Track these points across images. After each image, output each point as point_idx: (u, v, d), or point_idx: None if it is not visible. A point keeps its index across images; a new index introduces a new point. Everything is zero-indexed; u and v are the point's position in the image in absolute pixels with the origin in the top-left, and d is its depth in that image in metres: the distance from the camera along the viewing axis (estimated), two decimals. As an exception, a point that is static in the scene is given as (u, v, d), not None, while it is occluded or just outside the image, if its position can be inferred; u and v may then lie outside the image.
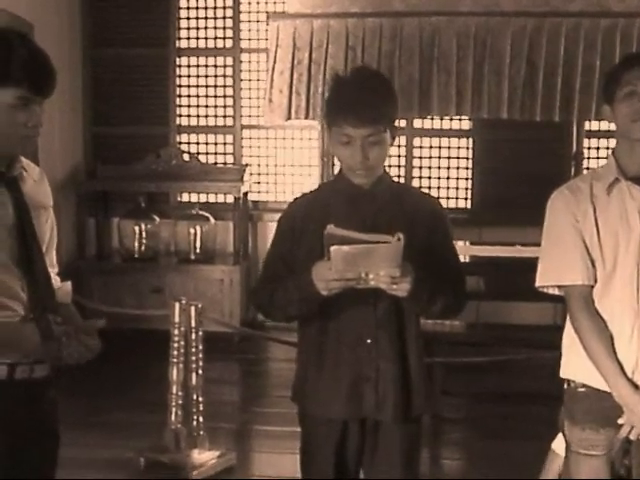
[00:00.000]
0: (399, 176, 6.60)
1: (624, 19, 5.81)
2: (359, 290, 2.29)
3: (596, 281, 2.38)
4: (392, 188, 2.53)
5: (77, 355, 2.21)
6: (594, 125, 6.36)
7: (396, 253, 2.20)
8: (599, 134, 6.40)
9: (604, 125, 6.30)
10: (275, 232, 2.56)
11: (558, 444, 2.79)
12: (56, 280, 2.38)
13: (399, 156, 6.63)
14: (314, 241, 2.34)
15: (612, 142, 2.43)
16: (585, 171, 6.38)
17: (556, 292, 2.49)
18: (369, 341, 2.44)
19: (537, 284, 2.49)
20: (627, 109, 2.35)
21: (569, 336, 2.46)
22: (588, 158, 6.50)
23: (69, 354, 2.19)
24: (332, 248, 2.19)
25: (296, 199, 2.63)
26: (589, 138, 6.48)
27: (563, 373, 2.50)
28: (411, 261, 2.25)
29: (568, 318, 2.46)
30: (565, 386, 2.50)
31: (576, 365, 2.44)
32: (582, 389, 2.43)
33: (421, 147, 6.65)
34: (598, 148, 6.49)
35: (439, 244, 2.48)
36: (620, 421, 2.35)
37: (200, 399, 4.10)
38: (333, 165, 6.57)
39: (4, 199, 2.17)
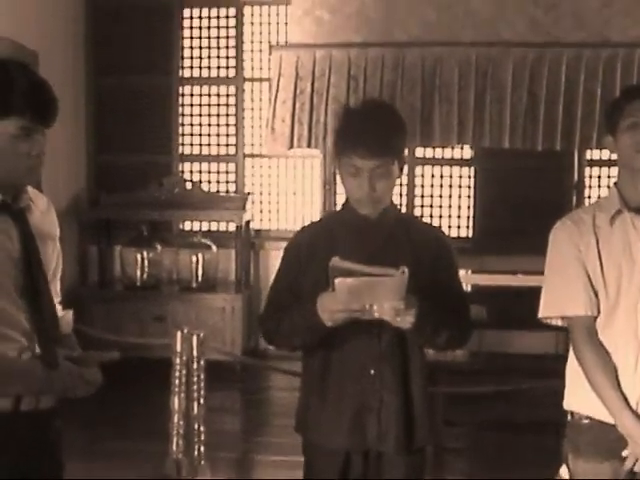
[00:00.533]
0: (401, 205, 6.62)
1: (624, 49, 5.86)
2: (363, 321, 2.30)
3: (599, 312, 2.38)
4: (398, 219, 2.54)
5: (79, 389, 2.20)
6: (595, 154, 6.37)
7: (400, 286, 2.21)
8: (600, 163, 6.42)
9: (605, 154, 6.33)
10: (281, 261, 2.58)
11: (562, 475, 2.77)
12: (58, 309, 2.38)
13: (401, 185, 6.65)
14: (320, 271, 2.35)
15: (613, 171, 2.44)
16: (587, 199, 6.40)
17: (559, 323, 2.49)
18: (373, 372, 2.44)
19: (540, 315, 2.49)
20: (630, 140, 2.36)
21: (572, 367, 2.46)
22: (590, 187, 6.51)
23: (71, 388, 2.19)
24: (337, 280, 2.20)
25: (303, 228, 2.65)
26: (591, 167, 6.50)
27: (567, 404, 2.50)
28: (416, 293, 2.26)
29: (571, 349, 2.46)
30: (569, 418, 2.49)
31: (580, 397, 2.43)
32: (586, 421, 2.42)
33: (423, 176, 6.68)
34: (600, 177, 6.50)
35: (444, 276, 2.49)
36: (624, 453, 2.33)
37: (202, 429, 4.07)
38: (335, 194, 6.60)
39: (10, 231, 2.17)
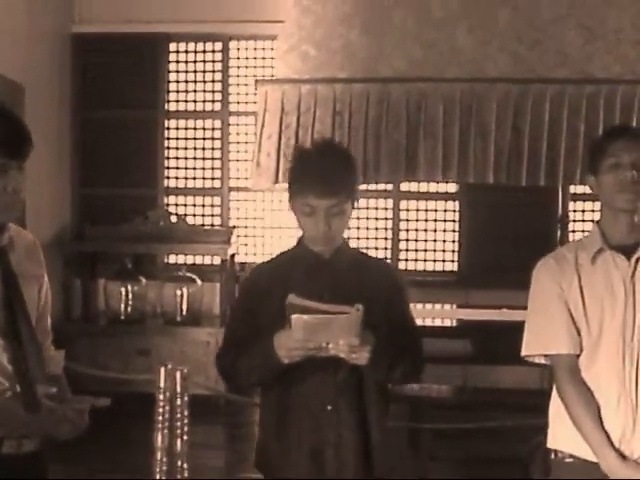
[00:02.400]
0: (386, 238, 6.63)
1: (607, 86, 5.92)
2: (319, 358, 2.33)
3: (582, 350, 2.39)
4: (350, 257, 2.57)
5: (62, 430, 2.17)
6: (579, 188, 6.41)
7: (355, 323, 2.24)
8: (584, 197, 6.45)
9: (589, 188, 6.36)
10: (237, 298, 2.63)
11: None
12: (50, 349, 2.36)
13: (386, 219, 6.67)
14: (275, 309, 2.37)
15: (597, 205, 2.46)
16: (571, 233, 6.43)
17: (542, 361, 2.50)
18: (329, 408, 2.46)
19: (523, 354, 2.50)
20: (612, 180, 2.38)
21: (555, 405, 2.46)
22: (574, 221, 6.54)
23: (54, 429, 2.16)
24: (293, 317, 2.23)
25: (258, 266, 2.68)
26: (575, 201, 6.54)
27: (550, 443, 2.49)
28: (369, 329, 2.29)
29: (554, 388, 2.46)
30: (552, 456, 2.48)
31: (563, 435, 2.43)
32: (570, 459, 2.42)
33: (407, 210, 6.70)
34: (584, 211, 6.54)
35: (397, 312, 2.52)
36: (607, 491, 2.33)
37: (185, 465, 4.04)
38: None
39: None
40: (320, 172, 2.40)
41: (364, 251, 2.83)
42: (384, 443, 2.53)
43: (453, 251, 6.69)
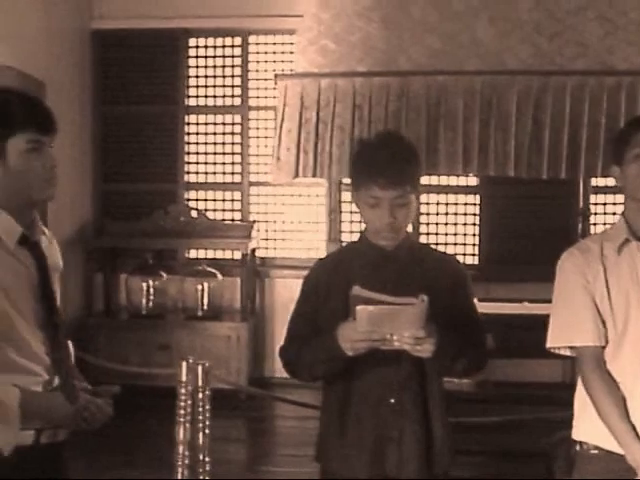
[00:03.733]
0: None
1: (629, 77, 5.87)
2: (382, 351, 2.31)
3: (607, 342, 2.37)
4: (414, 249, 2.57)
5: (94, 420, 2.23)
6: (601, 181, 6.37)
7: (420, 314, 2.23)
8: (606, 190, 6.40)
9: (610, 181, 6.30)
10: (300, 292, 2.60)
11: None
12: None
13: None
14: (338, 302, 2.38)
15: (619, 198, 2.44)
16: (593, 227, 6.39)
17: (567, 353, 2.48)
18: (392, 401, 2.45)
19: (548, 345, 2.48)
20: (636, 170, 2.36)
21: (581, 397, 2.45)
22: (595, 214, 6.49)
23: (88, 419, 2.21)
24: (358, 308, 2.22)
25: (321, 259, 2.69)
26: (596, 194, 6.49)
27: (575, 435, 2.48)
28: (434, 321, 2.28)
29: (579, 379, 2.45)
30: (577, 448, 2.47)
31: (588, 427, 2.42)
32: (595, 451, 2.41)
33: (428, 203, 6.67)
34: (605, 204, 6.49)
35: (461, 304, 2.52)
36: (633, 483, 2.32)
37: (207, 459, 4.05)
38: (340, 222, 6.60)
39: (29, 263, 2.18)
40: (384, 163, 2.39)
41: (427, 244, 2.82)
42: (445, 439, 2.53)
43: (474, 245, 6.66)
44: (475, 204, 6.64)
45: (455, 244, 6.69)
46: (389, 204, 2.39)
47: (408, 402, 2.46)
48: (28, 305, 2.15)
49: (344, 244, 2.66)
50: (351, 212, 6.63)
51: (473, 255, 6.67)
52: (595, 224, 6.43)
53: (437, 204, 6.68)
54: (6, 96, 2.19)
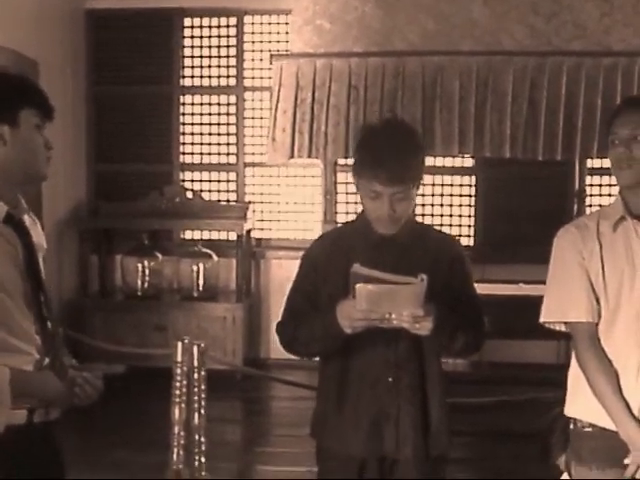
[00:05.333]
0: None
1: (625, 58, 5.86)
2: (381, 329, 2.32)
3: (600, 319, 2.38)
4: (414, 230, 2.56)
5: (86, 395, 2.23)
6: (596, 162, 6.37)
7: (419, 293, 2.23)
8: (601, 171, 6.40)
9: (606, 162, 6.31)
10: (299, 268, 2.60)
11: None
12: None
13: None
14: (337, 281, 2.39)
15: (614, 179, 2.44)
16: (588, 208, 6.39)
17: (562, 329, 2.49)
18: (390, 379, 2.47)
19: (542, 319, 2.49)
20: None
21: (574, 374, 2.46)
22: (591, 195, 6.50)
23: (78, 396, 2.22)
24: (357, 286, 2.23)
25: (320, 237, 2.70)
26: (591, 175, 6.49)
27: (568, 412, 2.49)
28: (433, 300, 2.28)
29: (573, 356, 2.46)
30: (571, 425, 2.48)
31: (582, 404, 2.43)
32: (588, 428, 2.42)
33: (424, 184, 6.64)
34: (600, 185, 6.49)
35: (460, 284, 2.52)
36: (626, 461, 2.32)
37: (202, 439, 4.05)
38: (336, 203, 6.60)
39: (15, 242, 2.18)
40: (387, 158, 2.35)
41: (428, 224, 2.81)
42: (442, 420, 2.53)
43: (469, 226, 6.66)
44: (470, 185, 6.63)
45: (450, 225, 6.69)
46: (389, 198, 2.38)
47: (406, 381, 2.47)
48: (17, 284, 2.15)
49: (342, 224, 2.65)
50: (346, 193, 6.62)
51: (468, 236, 6.67)
52: (591, 205, 6.43)
53: (432, 185, 6.67)
54: (16, 74, 2.27)
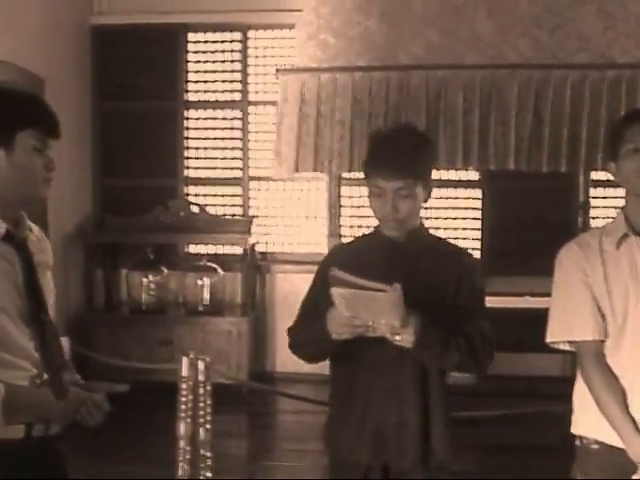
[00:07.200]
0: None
1: (629, 70, 5.87)
2: (386, 338, 2.32)
3: (607, 336, 2.37)
4: (426, 242, 2.57)
5: (90, 417, 2.23)
6: (601, 174, 6.36)
7: (394, 303, 2.22)
8: (606, 183, 6.39)
9: (611, 175, 6.31)
10: (313, 277, 2.65)
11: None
12: None
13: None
14: None
15: (619, 191, 2.43)
16: (593, 220, 6.39)
17: (567, 348, 2.48)
18: (393, 388, 2.48)
19: (548, 340, 2.48)
20: (630, 166, 2.36)
21: (580, 392, 2.45)
22: (595, 207, 6.50)
23: (81, 414, 2.22)
24: (332, 289, 2.25)
25: (335, 246, 2.81)
26: (596, 187, 6.48)
27: (575, 429, 2.48)
28: (418, 314, 2.28)
29: (579, 374, 2.45)
30: (577, 442, 2.47)
31: (588, 421, 2.42)
32: (595, 446, 2.41)
33: (430, 197, 6.64)
34: (605, 197, 6.48)
35: (463, 300, 2.50)
36: (635, 477, 2.31)
37: (208, 454, 4.05)
38: (340, 216, 6.60)
39: (14, 259, 2.19)
40: (388, 155, 2.42)
41: (440, 236, 2.81)
42: (444, 432, 2.53)
43: (475, 239, 6.66)
44: (477, 198, 6.63)
45: (457, 238, 6.67)
46: (392, 195, 2.41)
47: (409, 389, 2.48)
48: (12, 301, 2.16)
49: (361, 235, 2.70)
50: (351, 207, 6.63)
51: (475, 249, 6.66)
52: (595, 217, 6.43)
53: (439, 198, 6.67)
54: (18, 93, 2.24)
